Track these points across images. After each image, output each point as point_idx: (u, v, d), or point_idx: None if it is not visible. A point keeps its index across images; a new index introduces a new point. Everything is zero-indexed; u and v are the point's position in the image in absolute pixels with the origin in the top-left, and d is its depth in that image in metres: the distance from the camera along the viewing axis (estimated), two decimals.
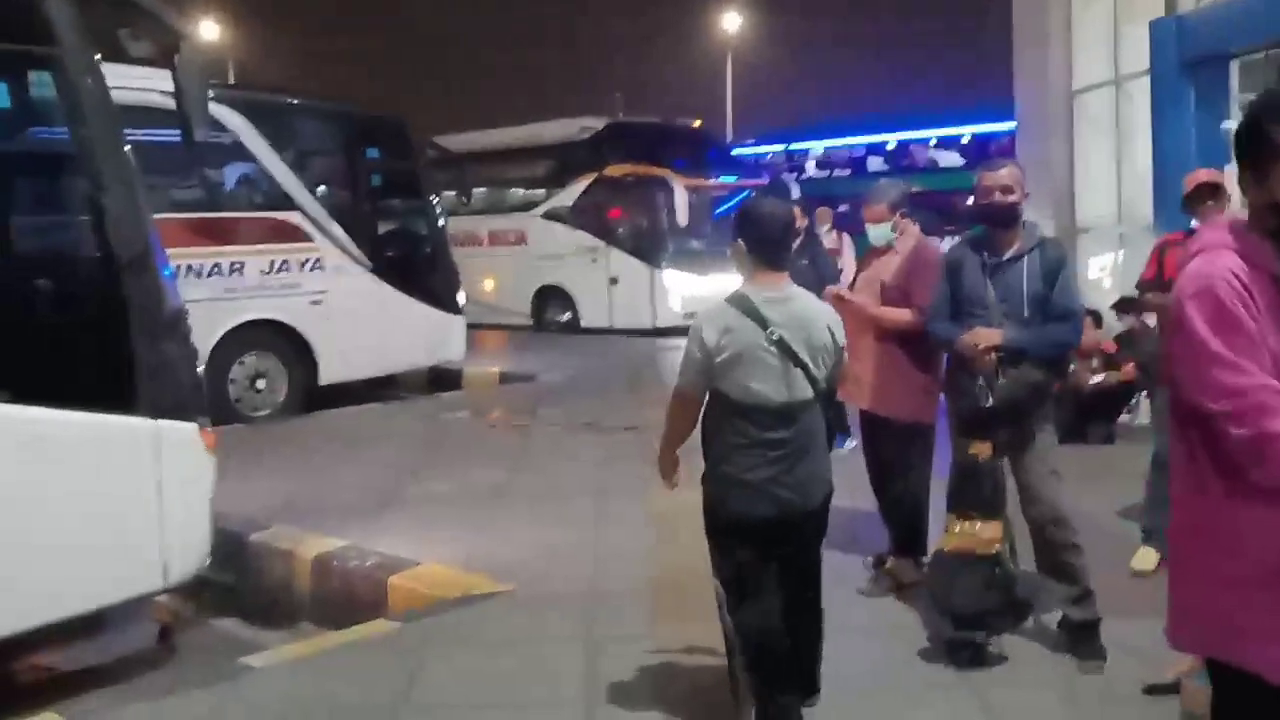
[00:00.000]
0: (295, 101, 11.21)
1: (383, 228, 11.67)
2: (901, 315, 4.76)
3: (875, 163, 20.43)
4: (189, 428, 4.88)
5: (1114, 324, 8.71)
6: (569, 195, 16.75)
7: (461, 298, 11.99)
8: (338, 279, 10.67)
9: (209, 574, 5.21)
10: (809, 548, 3.49)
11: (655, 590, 5.03)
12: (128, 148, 4.90)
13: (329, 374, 10.60)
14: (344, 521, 6.31)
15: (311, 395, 10.43)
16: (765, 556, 3.34)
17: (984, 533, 3.94)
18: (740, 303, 3.31)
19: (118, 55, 5.43)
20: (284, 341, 10.37)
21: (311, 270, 10.52)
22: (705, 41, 31.51)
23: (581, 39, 39.90)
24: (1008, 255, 4.13)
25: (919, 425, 4.83)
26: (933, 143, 19.74)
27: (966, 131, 19.16)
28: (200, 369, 5.23)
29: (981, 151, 18.68)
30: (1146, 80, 9.13)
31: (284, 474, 7.70)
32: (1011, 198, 4.14)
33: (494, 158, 17.86)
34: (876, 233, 4.89)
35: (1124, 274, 9.41)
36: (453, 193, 18.45)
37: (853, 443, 8.06)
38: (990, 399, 4.00)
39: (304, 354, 10.48)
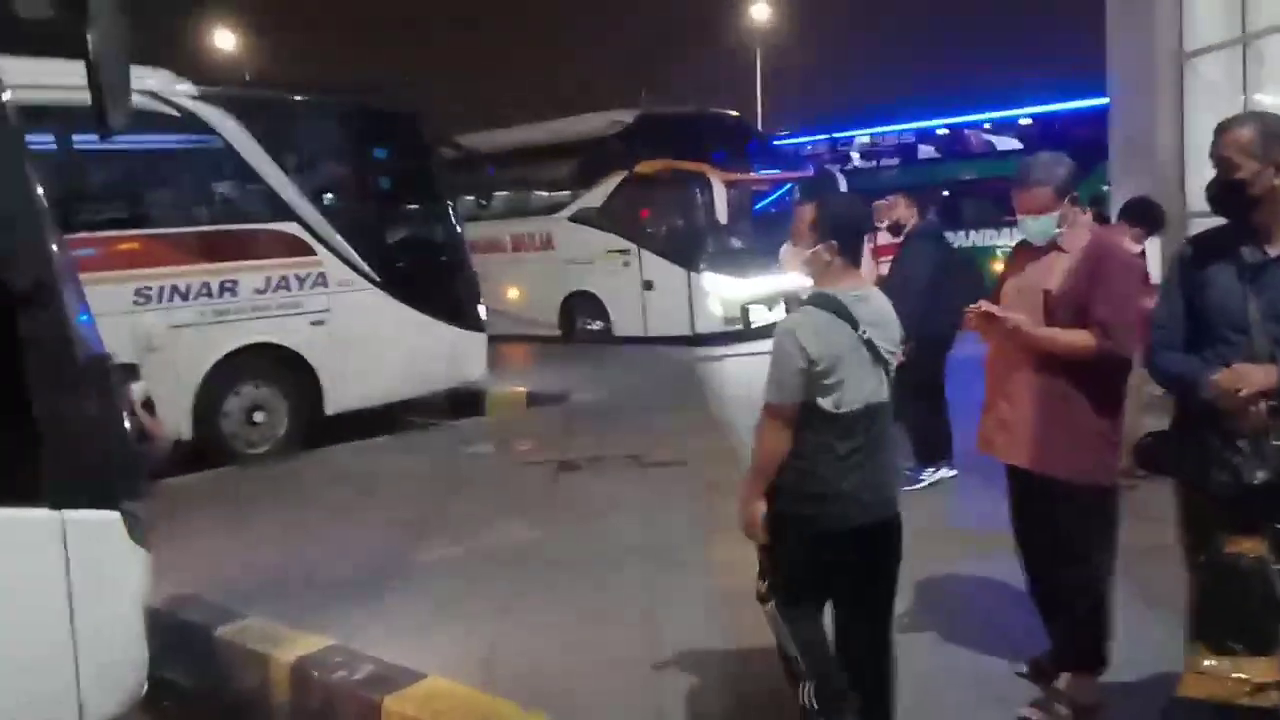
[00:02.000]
0: (290, 97, 9.99)
1: (393, 237, 10.47)
2: (1076, 338, 3.45)
3: (926, 150, 19.05)
4: (108, 518, 3.62)
5: None
6: (598, 195, 15.50)
7: (482, 312, 10.77)
8: (343, 296, 9.47)
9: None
10: (892, 562, 3.26)
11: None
12: (25, 162, 3.67)
13: (335, 403, 9.39)
14: (336, 604, 5.09)
15: (316, 427, 9.22)
16: (849, 573, 3.18)
17: (1250, 672, 2.62)
18: (829, 304, 3.09)
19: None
20: (284, 368, 9.17)
21: (313, 287, 9.31)
22: (733, 32, 30.21)
23: (605, 32, 38.65)
24: (1277, 253, 2.81)
25: (1098, 489, 3.51)
26: (987, 126, 18.32)
27: (1025, 113, 17.70)
28: (130, 430, 3.97)
29: (1044, 133, 17.24)
30: None
31: (272, 535, 6.48)
32: (1239, 174, 2.82)
33: (517, 157, 16.66)
34: (1037, 226, 3.58)
35: None
36: (473, 196, 17.45)
37: (946, 473, 6.85)
38: (1260, 471, 2.68)
39: (307, 382, 9.28)
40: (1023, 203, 3.58)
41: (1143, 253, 6.20)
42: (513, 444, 8.78)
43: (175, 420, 8.20)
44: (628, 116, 15.47)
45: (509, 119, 17.28)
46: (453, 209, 10.93)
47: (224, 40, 32.55)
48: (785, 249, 3.45)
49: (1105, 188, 15.11)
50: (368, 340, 9.53)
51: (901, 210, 7.02)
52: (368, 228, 9.94)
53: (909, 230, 6.93)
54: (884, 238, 10.34)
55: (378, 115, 10.48)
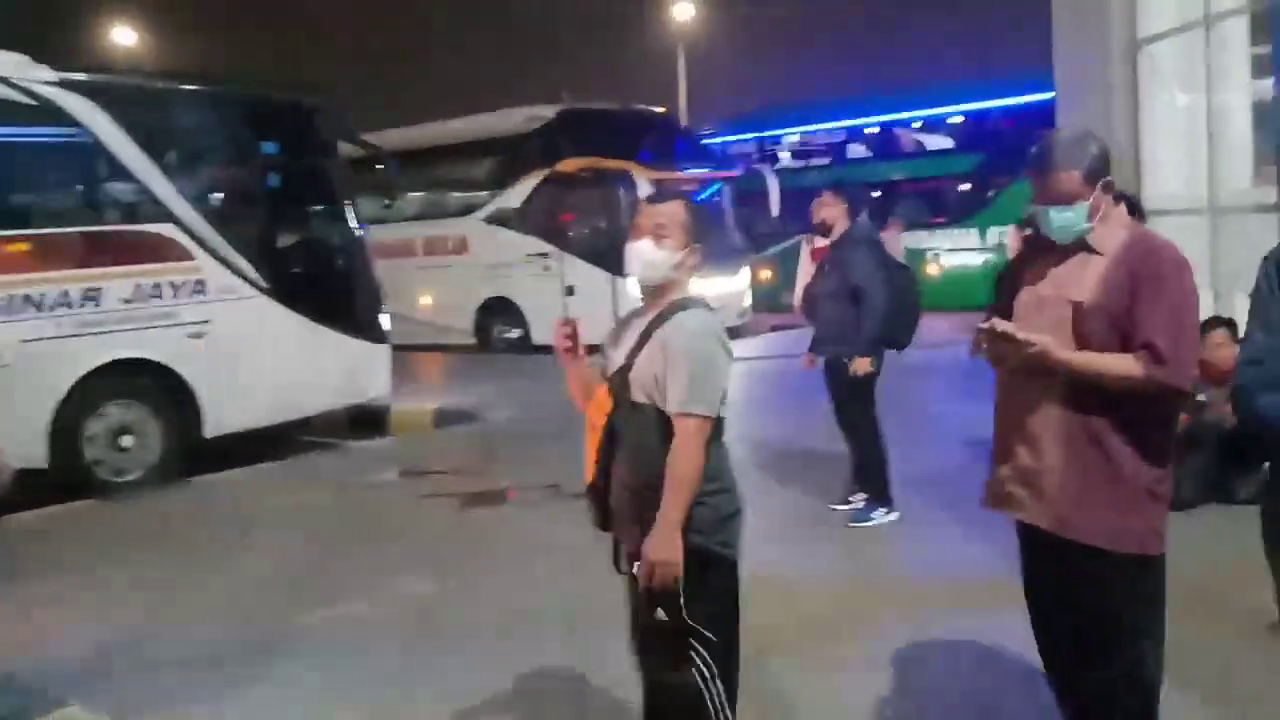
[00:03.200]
0: (165, 85, 8.93)
1: (284, 240, 9.42)
2: (1119, 365, 2.66)
3: (856, 149, 18.46)
4: None
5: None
6: (516, 195, 14.59)
7: (385, 322, 9.77)
8: (226, 306, 8.44)
9: None
10: None
11: None
12: None
13: (216, 424, 8.34)
14: (196, 684, 4.15)
15: (195, 452, 8.17)
16: None
17: None
18: (709, 306, 2.82)
19: None
20: (156, 386, 8.11)
21: (191, 295, 8.27)
22: (655, 30, 29.42)
23: (518, 27, 37.60)
24: None
25: (1145, 559, 2.74)
26: (917, 124, 17.79)
27: (957, 110, 17.21)
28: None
29: (979, 131, 16.76)
30: (1246, 20, 7.16)
31: (125, 590, 5.47)
32: None
33: (429, 155, 15.63)
34: (1061, 220, 2.78)
35: (1223, 267, 7.40)
36: (381, 196, 16.32)
37: (891, 516, 6.11)
38: None
39: (183, 401, 8.22)
40: (1043, 190, 2.80)
41: None
42: (417, 472, 7.84)
43: (26, 446, 7.12)
44: (548, 112, 14.58)
45: (424, 116, 16.24)
46: (353, 210, 9.93)
47: (124, 36, 30.76)
48: (642, 247, 2.74)
49: None
50: (253, 354, 8.53)
51: (828, 209, 6.00)
52: (255, 229, 8.92)
53: (843, 233, 5.98)
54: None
55: (268, 105, 9.44)
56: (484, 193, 15.21)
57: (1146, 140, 8.14)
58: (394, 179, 15.29)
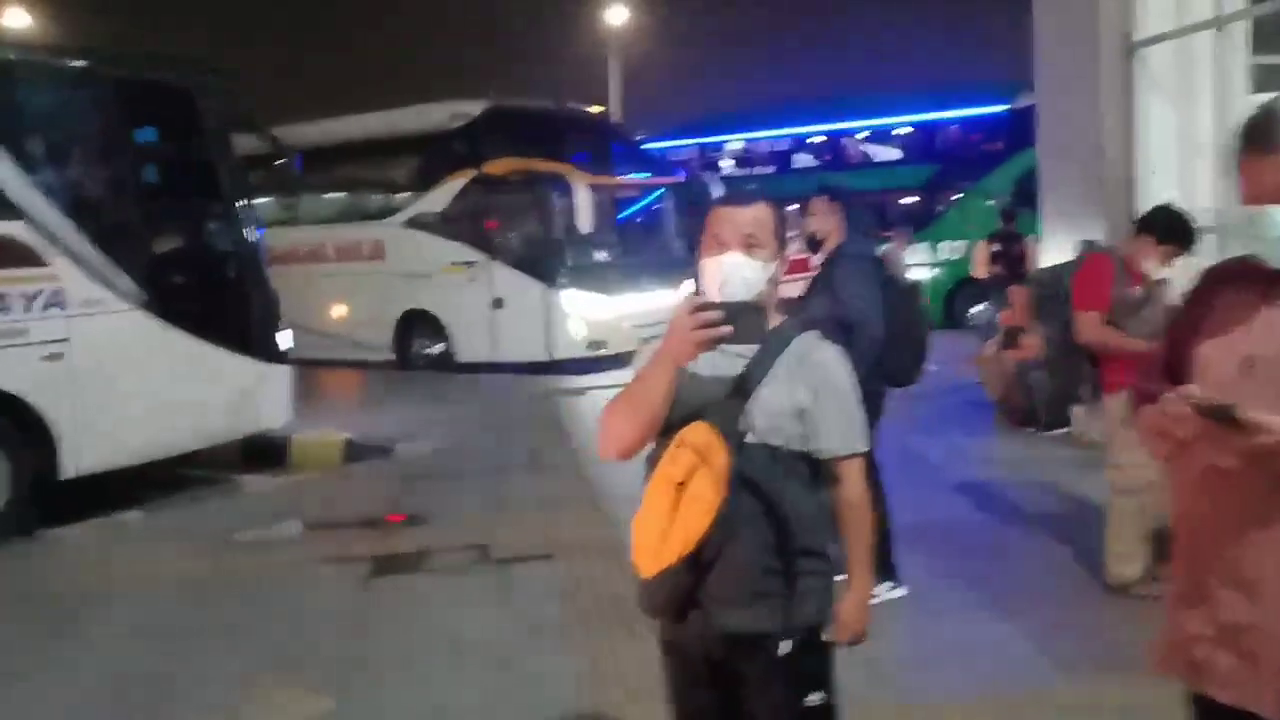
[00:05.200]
0: (13, 57, 7.54)
1: (164, 244, 8.11)
2: None
3: (802, 159, 17.54)
4: None
5: None
6: (439, 198, 13.32)
7: (285, 339, 8.48)
8: (89, 321, 7.10)
9: None
10: None
11: None
12: None
13: (75, 464, 6.99)
14: None
15: (51, 493, 6.82)
16: None
17: None
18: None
19: None
20: (1, 418, 6.73)
21: (46, 308, 6.92)
22: (587, 34, 28.37)
23: (444, 28, 36.17)
24: None
25: None
26: (861, 135, 16.96)
27: (907, 121, 16.39)
28: None
29: (926, 144, 15.94)
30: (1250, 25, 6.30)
31: None
32: None
33: (343, 152, 14.32)
34: None
35: None
36: (288, 196, 15.02)
37: (897, 592, 5.15)
38: None
39: (35, 434, 6.85)
40: (1259, 179, 1.76)
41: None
42: (318, 524, 6.56)
43: None
44: (474, 109, 13.32)
45: (342, 110, 14.88)
46: (249, 209, 8.63)
47: (15, 19, 28.67)
48: (737, 261, 2.22)
49: (989, 202, 14.00)
50: (123, 379, 7.22)
51: (820, 220, 4.94)
52: (127, 231, 7.58)
53: (836, 247, 4.91)
54: (790, 251, 8.57)
55: (142, 82, 7.98)
56: (404, 194, 13.92)
57: (1141, 151, 7.28)
58: (297, 175, 14.10)
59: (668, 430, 2.18)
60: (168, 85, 8.15)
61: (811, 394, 2.23)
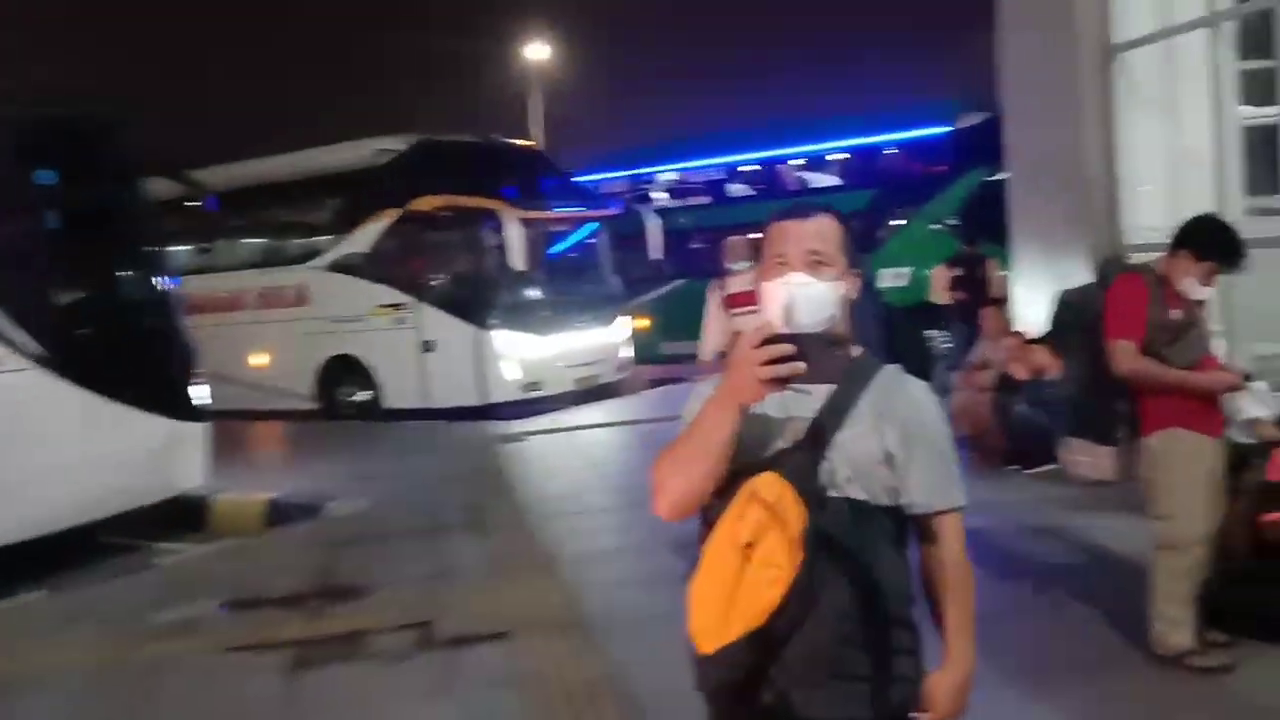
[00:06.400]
0: None
1: (66, 294, 7.44)
2: None
3: (738, 188, 17.24)
4: None
5: None
6: (364, 238, 12.69)
7: (202, 395, 7.85)
8: None
9: None
10: None
11: None
12: None
13: None
14: None
15: None
16: None
17: None
18: None
19: None
20: None
21: None
22: (514, 69, 28.03)
23: (367, 68, 35.53)
24: None
25: None
26: (797, 162, 16.72)
27: (844, 146, 16.19)
28: None
29: (866, 168, 15.74)
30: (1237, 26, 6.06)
31: None
32: None
33: (262, 194, 13.63)
34: None
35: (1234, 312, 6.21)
36: (205, 241, 14.32)
37: None
38: None
39: None
40: None
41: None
42: (236, 602, 5.92)
43: None
44: (400, 144, 12.74)
45: (263, 151, 14.23)
46: (161, 257, 8.02)
47: None
48: (802, 282, 1.93)
49: (935, 226, 13.79)
50: (20, 444, 6.55)
51: None
52: (22, 282, 6.93)
53: None
54: (741, 283, 8.10)
55: (42, 126, 7.40)
56: (327, 236, 13.26)
57: (1124, 163, 6.97)
58: (216, 218, 13.42)
59: (732, 482, 1.88)
60: (67, 124, 7.52)
61: (901, 438, 1.96)
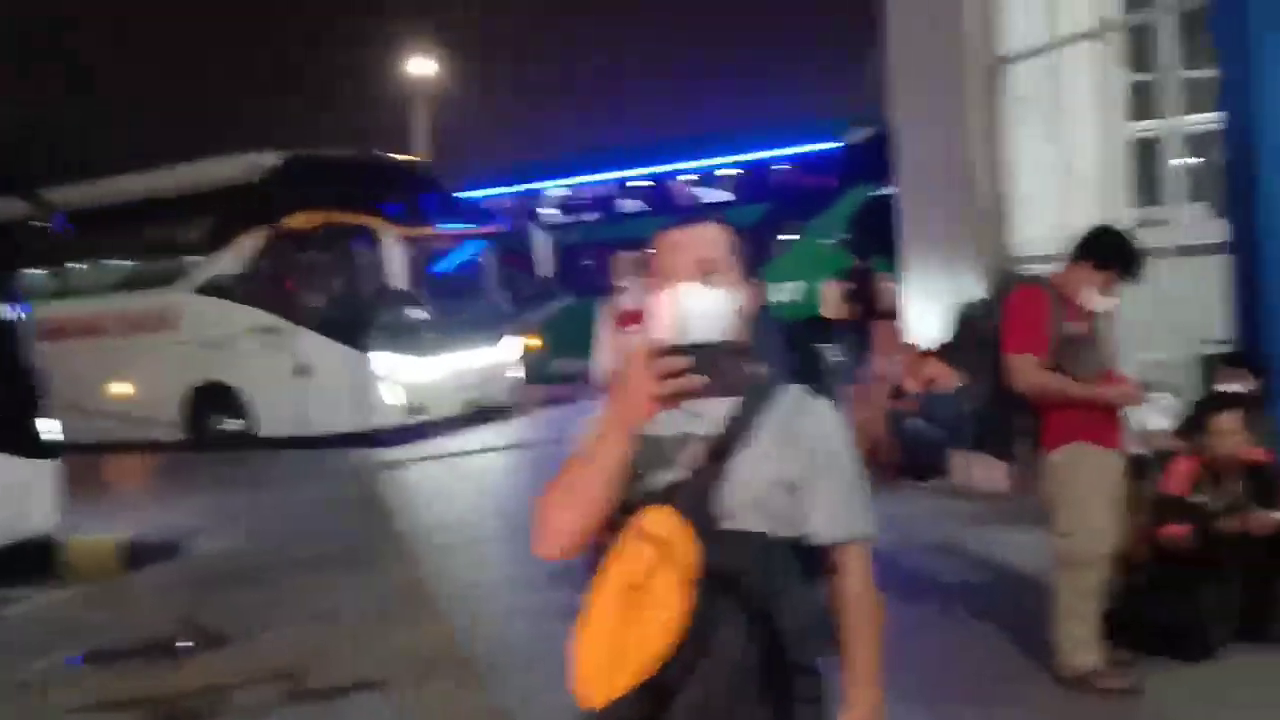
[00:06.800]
0: None
1: None
2: None
3: (628, 204, 17.04)
4: None
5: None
6: (235, 258, 12.05)
7: (52, 429, 7.24)
8: None
9: None
10: None
11: None
12: None
13: None
14: None
15: None
16: None
17: None
18: None
19: None
20: None
21: None
22: (398, 84, 27.46)
23: (241, 82, 34.34)
24: None
25: None
26: (687, 178, 16.62)
27: (736, 161, 16.14)
28: None
29: (756, 184, 15.71)
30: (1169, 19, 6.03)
31: None
32: None
33: (124, 214, 12.89)
34: None
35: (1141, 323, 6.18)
36: (60, 264, 13.50)
37: None
38: None
39: None
40: None
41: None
42: (90, 654, 5.39)
43: None
44: (272, 159, 12.17)
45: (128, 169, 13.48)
46: (6, 282, 7.43)
47: None
48: (692, 292, 1.73)
49: (826, 241, 13.82)
50: None
51: None
52: None
53: None
54: (632, 299, 7.88)
55: None
56: (195, 256, 12.59)
57: (1011, 176, 6.95)
58: (72, 240, 12.63)
59: (622, 515, 1.73)
60: None
61: (804, 463, 1.81)
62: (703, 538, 1.69)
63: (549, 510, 1.75)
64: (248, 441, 11.81)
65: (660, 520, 1.70)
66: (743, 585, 1.73)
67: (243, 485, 9.75)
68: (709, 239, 1.89)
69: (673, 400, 1.64)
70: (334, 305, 11.74)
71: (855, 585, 1.87)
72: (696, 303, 1.75)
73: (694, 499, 1.74)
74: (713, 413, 1.78)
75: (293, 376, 11.62)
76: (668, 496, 1.74)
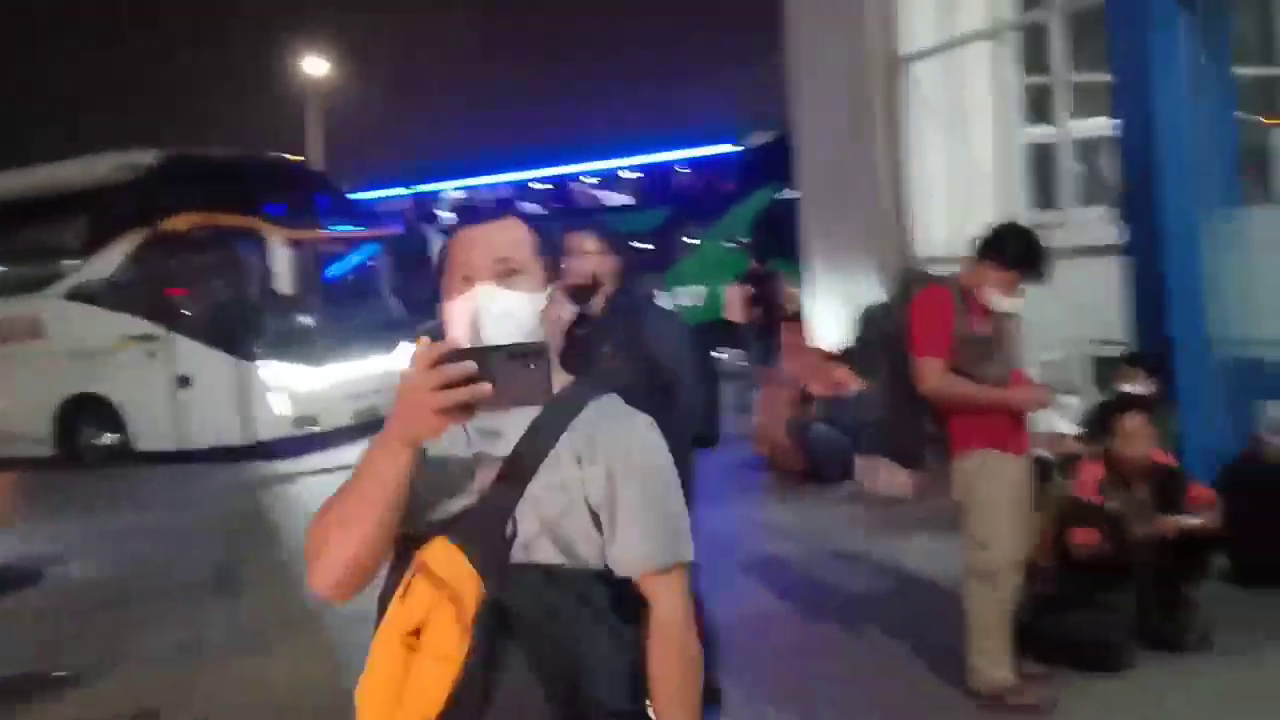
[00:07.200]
0: None
1: None
2: None
3: (528, 206, 16.72)
4: None
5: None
6: (108, 263, 11.41)
7: None
8: None
9: None
10: None
11: None
12: None
13: None
14: None
15: None
16: None
17: None
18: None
19: None
20: None
21: None
22: (291, 84, 26.68)
23: (123, 81, 32.96)
24: None
25: None
26: (586, 179, 16.41)
27: (637, 163, 15.97)
28: None
29: (658, 187, 15.56)
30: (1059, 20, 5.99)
31: None
32: None
33: None
34: None
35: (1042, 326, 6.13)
36: None
37: None
38: None
39: None
40: None
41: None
42: None
43: None
44: (148, 158, 11.54)
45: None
46: None
47: None
48: (489, 295, 1.60)
49: (727, 244, 13.76)
50: None
51: (596, 260, 3.78)
52: None
53: (617, 294, 3.84)
54: None
55: None
56: (64, 261, 11.88)
57: (912, 176, 6.85)
58: None
59: (407, 548, 1.56)
60: None
61: (608, 485, 1.61)
62: (489, 573, 1.51)
63: (319, 540, 1.54)
64: (125, 456, 11.20)
65: (442, 555, 1.51)
66: (533, 626, 1.53)
67: (116, 504, 9.19)
68: (510, 237, 1.71)
69: (460, 413, 1.44)
70: (216, 312, 11.17)
71: (664, 623, 1.65)
72: (494, 307, 1.61)
73: (482, 529, 1.55)
74: (511, 429, 1.59)
75: (172, 387, 11.05)
76: (453, 527, 1.55)
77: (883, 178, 6.88)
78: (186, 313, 11.16)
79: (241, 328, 11.00)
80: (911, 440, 4.01)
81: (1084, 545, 4.25)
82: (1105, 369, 5.78)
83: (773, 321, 8.86)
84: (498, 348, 1.48)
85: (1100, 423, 4.60)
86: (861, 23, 6.80)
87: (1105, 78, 5.91)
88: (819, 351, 7.70)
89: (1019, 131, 6.74)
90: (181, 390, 11.01)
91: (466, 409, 1.44)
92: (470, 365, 1.43)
